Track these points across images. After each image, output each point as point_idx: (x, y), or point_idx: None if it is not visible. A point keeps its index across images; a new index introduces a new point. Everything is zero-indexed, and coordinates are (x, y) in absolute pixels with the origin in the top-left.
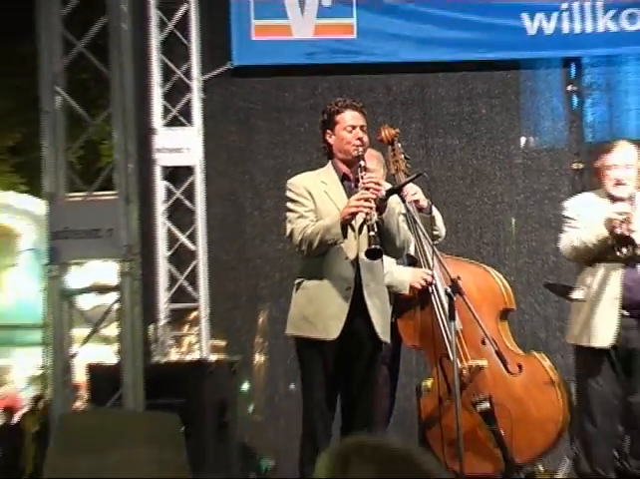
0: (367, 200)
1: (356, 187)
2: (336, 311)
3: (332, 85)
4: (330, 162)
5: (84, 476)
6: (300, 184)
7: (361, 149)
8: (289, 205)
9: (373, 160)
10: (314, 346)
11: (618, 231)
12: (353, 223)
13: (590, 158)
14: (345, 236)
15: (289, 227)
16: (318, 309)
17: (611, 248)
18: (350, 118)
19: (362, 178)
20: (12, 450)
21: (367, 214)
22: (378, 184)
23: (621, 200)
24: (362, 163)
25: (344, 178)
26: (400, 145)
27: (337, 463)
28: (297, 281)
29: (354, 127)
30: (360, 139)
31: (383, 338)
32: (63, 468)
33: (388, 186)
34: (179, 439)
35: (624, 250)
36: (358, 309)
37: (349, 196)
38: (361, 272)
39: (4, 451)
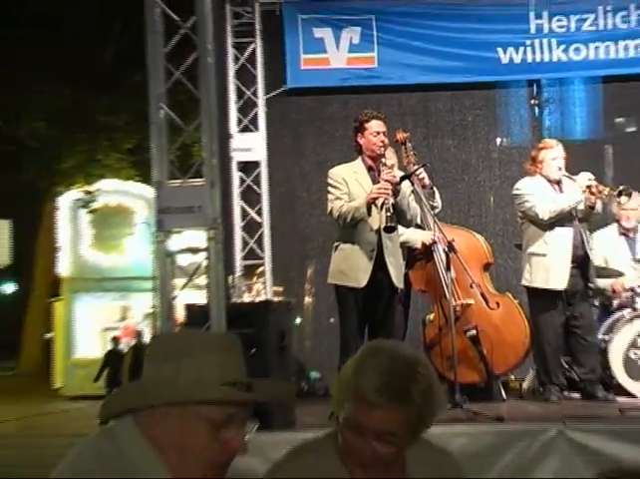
0: (385, 189)
1: (379, 176)
2: (364, 266)
3: (359, 101)
4: (360, 157)
5: (165, 378)
6: (338, 173)
7: (383, 149)
8: (330, 189)
9: (389, 152)
10: (348, 291)
11: (594, 189)
12: (377, 203)
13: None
14: (369, 214)
15: (330, 205)
16: (351, 265)
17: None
18: (375, 125)
19: (383, 171)
20: (115, 370)
21: (385, 198)
22: (393, 176)
23: (559, 184)
24: (383, 159)
25: (370, 169)
26: (410, 144)
27: (357, 360)
28: (335, 245)
29: (378, 132)
30: (382, 141)
31: (397, 285)
32: (151, 373)
33: (401, 173)
34: (238, 351)
35: (598, 207)
36: (380, 265)
37: (373, 182)
38: (382, 239)
39: (110, 371)
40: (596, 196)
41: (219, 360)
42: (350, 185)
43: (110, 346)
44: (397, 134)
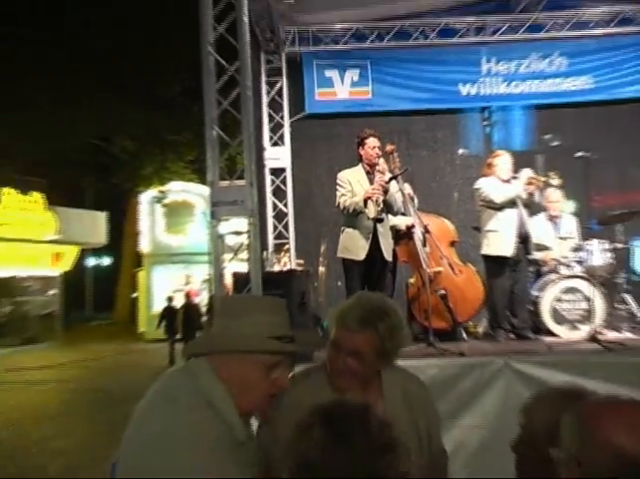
0: (377, 189)
1: (374, 179)
2: (362, 245)
3: (358, 123)
4: (360, 164)
5: (231, 332)
6: (344, 176)
7: (377, 159)
8: (338, 187)
9: (381, 160)
10: (352, 263)
11: (532, 187)
12: (372, 199)
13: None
14: (366, 207)
15: (337, 200)
16: (353, 244)
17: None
18: (372, 141)
19: (376, 176)
20: (171, 321)
21: (377, 196)
22: (384, 181)
23: (508, 182)
24: (378, 167)
25: (368, 173)
26: (396, 154)
27: (346, 302)
28: (342, 228)
29: (374, 147)
30: (377, 153)
31: (387, 259)
32: (220, 326)
33: (390, 175)
34: (284, 312)
35: (536, 195)
36: (374, 244)
37: (370, 183)
38: (376, 225)
39: (167, 322)
40: (534, 185)
41: (270, 319)
42: (353, 184)
43: (166, 304)
44: (386, 146)
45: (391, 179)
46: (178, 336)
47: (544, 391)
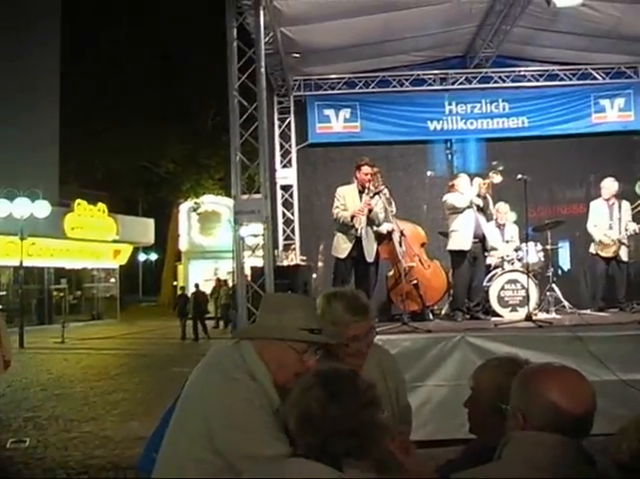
0: (362, 210)
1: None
2: (348, 246)
3: (350, 150)
4: (355, 183)
5: (272, 324)
6: (342, 192)
7: (369, 182)
8: (335, 202)
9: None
10: (341, 260)
11: (483, 190)
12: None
13: (450, 180)
14: (352, 221)
15: (333, 210)
16: (341, 245)
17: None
18: (366, 169)
19: (365, 199)
20: (183, 306)
21: (360, 215)
22: (369, 203)
23: (462, 194)
24: (369, 189)
25: (360, 192)
26: (379, 175)
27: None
28: (335, 233)
29: (367, 173)
30: (369, 179)
31: (368, 260)
32: (264, 318)
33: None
34: (314, 307)
35: (488, 199)
36: (358, 246)
37: (361, 200)
38: (361, 232)
39: (179, 306)
40: (485, 187)
41: (303, 314)
42: (347, 200)
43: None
44: (372, 169)
45: (375, 194)
46: (190, 316)
47: (488, 361)
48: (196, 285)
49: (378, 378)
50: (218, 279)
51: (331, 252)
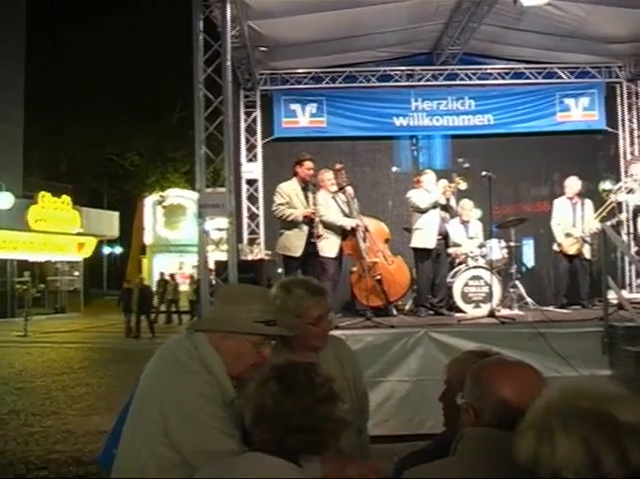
0: (314, 212)
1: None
2: (300, 244)
3: (315, 146)
4: (295, 179)
5: (227, 316)
6: (284, 189)
7: (310, 177)
8: (277, 199)
9: (330, 174)
10: (290, 258)
11: (448, 194)
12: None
13: (416, 176)
14: (303, 221)
15: (275, 207)
16: (294, 243)
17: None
18: (308, 164)
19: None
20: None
21: (315, 216)
22: (313, 212)
23: (428, 191)
24: (312, 183)
25: (303, 188)
26: (343, 171)
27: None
28: (280, 231)
29: (309, 168)
30: (310, 174)
31: (321, 254)
32: (219, 310)
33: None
34: (270, 299)
35: (452, 201)
36: (309, 244)
37: (305, 196)
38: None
39: (124, 301)
40: (450, 191)
41: (259, 307)
42: (292, 197)
43: (125, 285)
44: (336, 165)
45: (339, 189)
46: (134, 311)
47: (462, 354)
48: (161, 274)
49: (335, 368)
50: (162, 274)
51: (276, 250)
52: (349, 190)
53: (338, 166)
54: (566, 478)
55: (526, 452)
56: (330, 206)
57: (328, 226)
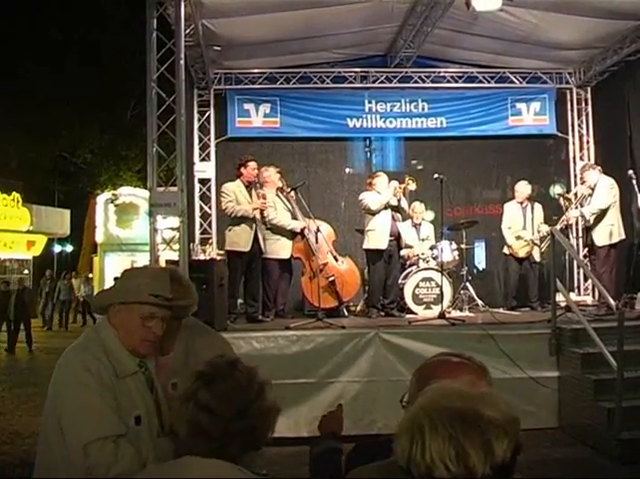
0: (264, 203)
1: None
2: (248, 238)
3: (268, 146)
4: (239, 180)
5: (120, 289)
6: (229, 188)
7: (255, 177)
8: (224, 196)
9: (277, 176)
10: (236, 254)
11: (399, 195)
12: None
13: (369, 178)
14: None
15: (224, 205)
16: (243, 237)
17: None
18: (253, 164)
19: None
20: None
21: (265, 207)
22: (263, 203)
23: (379, 193)
24: (257, 185)
25: (247, 187)
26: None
27: None
28: (229, 227)
29: (254, 168)
30: (256, 175)
31: (264, 251)
32: (117, 286)
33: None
34: (167, 278)
35: (402, 203)
36: (256, 240)
37: (250, 194)
38: (257, 225)
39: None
40: (400, 192)
41: (152, 282)
42: (237, 195)
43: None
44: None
45: (291, 189)
46: (11, 318)
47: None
48: (5, 284)
49: (185, 359)
50: (50, 271)
51: (225, 248)
52: (292, 194)
53: (276, 171)
54: (438, 476)
55: (402, 453)
56: (278, 207)
57: (278, 229)
